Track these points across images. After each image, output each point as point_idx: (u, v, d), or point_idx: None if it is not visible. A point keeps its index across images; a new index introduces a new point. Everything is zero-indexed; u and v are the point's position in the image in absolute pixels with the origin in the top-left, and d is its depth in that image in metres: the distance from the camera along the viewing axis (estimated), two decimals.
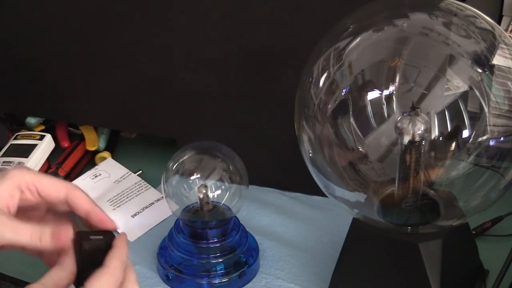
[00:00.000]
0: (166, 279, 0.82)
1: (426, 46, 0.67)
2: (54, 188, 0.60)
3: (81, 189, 0.61)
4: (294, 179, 0.95)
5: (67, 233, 0.57)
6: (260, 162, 0.95)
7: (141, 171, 1.02)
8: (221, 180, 0.83)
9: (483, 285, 0.78)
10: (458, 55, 0.65)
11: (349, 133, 0.68)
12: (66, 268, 0.57)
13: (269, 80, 0.93)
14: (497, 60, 0.65)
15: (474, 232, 0.85)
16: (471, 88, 0.64)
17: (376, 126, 0.67)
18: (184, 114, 1.00)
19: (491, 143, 0.65)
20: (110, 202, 0.96)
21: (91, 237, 0.58)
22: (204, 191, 0.82)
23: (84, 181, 1.00)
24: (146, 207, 0.95)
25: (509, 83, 0.65)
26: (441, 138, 0.65)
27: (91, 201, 0.61)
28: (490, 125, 0.65)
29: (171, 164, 0.84)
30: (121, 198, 0.97)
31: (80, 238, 0.57)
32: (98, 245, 0.58)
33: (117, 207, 0.95)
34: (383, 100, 0.66)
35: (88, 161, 1.07)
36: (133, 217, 0.94)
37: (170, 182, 0.83)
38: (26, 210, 0.60)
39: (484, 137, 0.65)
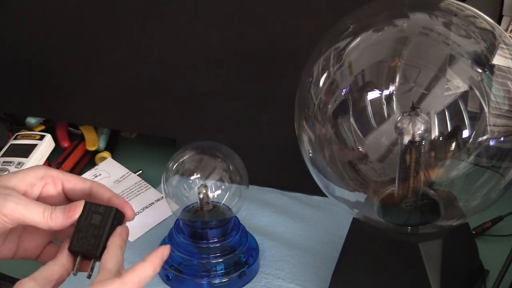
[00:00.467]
0: (166, 279, 0.82)
1: (426, 46, 0.67)
2: (80, 180, 0.62)
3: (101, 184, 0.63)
4: (294, 179, 0.95)
5: (77, 209, 0.59)
6: (260, 162, 0.95)
7: (141, 171, 1.02)
8: (221, 180, 0.83)
9: (483, 285, 0.78)
10: (458, 55, 0.65)
11: (349, 133, 0.68)
12: (59, 263, 0.58)
13: (269, 80, 0.93)
14: (497, 60, 0.65)
15: (474, 232, 0.85)
16: (471, 88, 0.64)
17: (376, 126, 0.67)
18: (184, 114, 1.00)
19: (491, 143, 0.65)
20: None
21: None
22: (204, 191, 0.82)
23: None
24: (146, 207, 0.95)
25: (509, 83, 0.65)
26: (441, 138, 0.65)
27: (113, 192, 0.63)
28: (490, 125, 0.65)
29: (171, 164, 0.84)
30: None
31: (89, 206, 0.60)
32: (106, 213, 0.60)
33: None
34: (383, 100, 0.66)
35: (88, 161, 1.07)
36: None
37: (170, 182, 0.83)
38: (45, 201, 0.61)
39: (484, 137, 0.65)
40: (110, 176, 1.01)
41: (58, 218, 0.59)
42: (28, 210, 0.58)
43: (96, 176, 1.01)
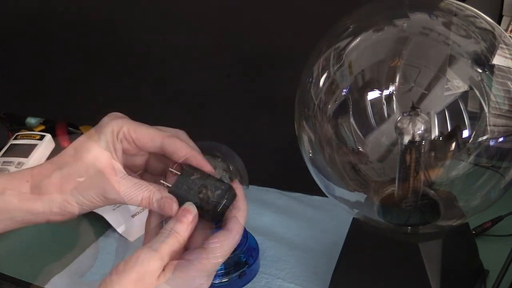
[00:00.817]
0: None
1: (426, 46, 0.67)
2: (149, 138, 0.62)
3: (177, 137, 0.63)
4: (294, 179, 0.95)
5: (171, 206, 0.60)
6: (260, 162, 0.94)
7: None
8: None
9: (483, 285, 0.78)
10: (458, 55, 0.65)
11: (349, 133, 0.68)
12: (181, 238, 0.58)
13: (269, 80, 0.93)
14: (497, 60, 0.65)
15: (474, 232, 0.85)
16: (471, 88, 0.64)
17: (376, 126, 0.67)
18: (185, 114, 1.00)
19: (491, 143, 0.65)
20: None
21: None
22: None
23: None
24: None
25: (509, 83, 0.65)
26: (441, 138, 0.65)
27: (187, 147, 0.63)
28: (490, 125, 0.65)
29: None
30: None
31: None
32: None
33: (117, 207, 0.95)
34: (383, 100, 0.66)
35: None
36: (133, 217, 0.94)
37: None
38: (127, 160, 0.63)
39: (484, 137, 0.65)
40: None
41: (155, 209, 0.60)
42: (128, 199, 0.60)
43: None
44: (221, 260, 0.58)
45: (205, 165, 0.62)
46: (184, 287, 0.56)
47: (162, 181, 0.62)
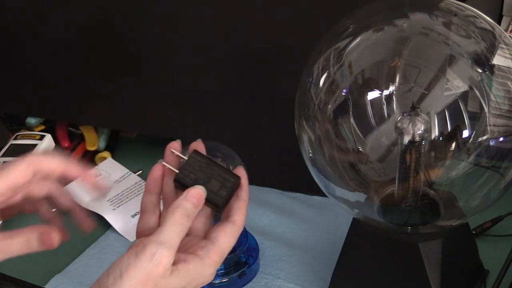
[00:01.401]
0: None
1: (426, 46, 0.67)
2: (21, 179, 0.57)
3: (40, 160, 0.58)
4: (294, 179, 0.95)
5: (53, 237, 0.57)
6: (260, 162, 0.94)
7: (141, 171, 1.02)
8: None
9: (483, 285, 0.78)
10: (458, 55, 0.65)
11: (349, 133, 0.68)
12: (188, 225, 0.55)
13: (269, 80, 0.93)
14: (497, 60, 0.65)
15: (474, 232, 0.85)
16: (471, 88, 0.64)
17: (376, 126, 0.67)
18: (185, 114, 1.00)
19: (491, 143, 0.65)
20: (110, 202, 0.96)
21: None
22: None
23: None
24: None
25: (509, 83, 0.65)
26: (441, 138, 0.65)
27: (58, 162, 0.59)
28: (490, 125, 0.65)
29: None
30: (121, 198, 0.97)
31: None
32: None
33: (117, 207, 0.95)
34: (383, 100, 0.66)
35: (88, 161, 1.07)
36: (133, 217, 0.94)
37: None
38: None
39: (484, 137, 0.65)
40: (110, 176, 1.01)
41: (36, 248, 0.58)
42: (4, 255, 0.56)
43: (96, 176, 1.00)
44: (227, 253, 0.57)
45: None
46: (193, 282, 0.54)
47: (164, 163, 0.60)
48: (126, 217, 0.94)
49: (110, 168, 1.03)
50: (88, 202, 0.91)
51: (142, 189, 0.98)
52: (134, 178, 1.01)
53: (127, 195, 0.97)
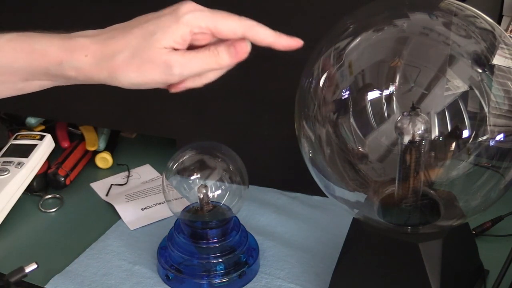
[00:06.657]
0: (166, 279, 0.82)
1: (426, 46, 0.67)
2: (231, 31, 0.61)
3: (258, 25, 0.62)
4: (294, 179, 0.95)
5: (244, 46, 0.61)
6: (260, 162, 0.94)
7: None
8: (221, 180, 0.83)
9: (483, 285, 0.78)
10: (458, 55, 0.65)
11: (349, 133, 0.68)
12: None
13: (269, 80, 0.93)
14: (497, 60, 0.65)
15: (474, 232, 0.85)
16: (471, 88, 0.64)
17: (376, 126, 0.67)
18: (184, 114, 1.00)
19: (491, 143, 0.65)
20: (126, 196, 0.98)
21: None
22: (204, 191, 0.82)
23: (115, 179, 1.04)
24: (159, 203, 0.97)
25: (509, 83, 0.65)
26: (441, 138, 0.65)
27: (271, 34, 0.62)
28: (490, 125, 0.65)
29: (171, 164, 0.84)
30: (139, 194, 0.99)
31: None
32: None
33: (130, 200, 0.97)
34: (383, 100, 0.66)
35: (88, 161, 1.07)
36: (143, 210, 0.95)
37: (170, 182, 0.83)
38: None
39: (484, 137, 0.65)
40: (140, 177, 1.04)
41: (226, 60, 0.62)
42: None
43: (127, 177, 1.03)
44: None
45: (292, 44, 0.63)
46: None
47: None
48: (136, 210, 0.96)
49: (144, 172, 1.05)
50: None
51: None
52: (161, 181, 1.02)
53: (146, 192, 1.00)
